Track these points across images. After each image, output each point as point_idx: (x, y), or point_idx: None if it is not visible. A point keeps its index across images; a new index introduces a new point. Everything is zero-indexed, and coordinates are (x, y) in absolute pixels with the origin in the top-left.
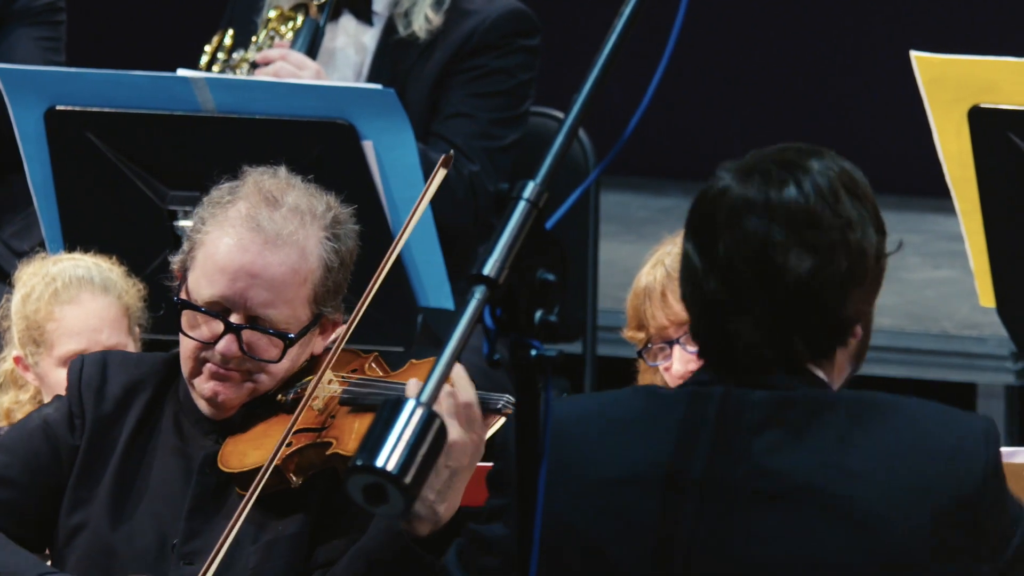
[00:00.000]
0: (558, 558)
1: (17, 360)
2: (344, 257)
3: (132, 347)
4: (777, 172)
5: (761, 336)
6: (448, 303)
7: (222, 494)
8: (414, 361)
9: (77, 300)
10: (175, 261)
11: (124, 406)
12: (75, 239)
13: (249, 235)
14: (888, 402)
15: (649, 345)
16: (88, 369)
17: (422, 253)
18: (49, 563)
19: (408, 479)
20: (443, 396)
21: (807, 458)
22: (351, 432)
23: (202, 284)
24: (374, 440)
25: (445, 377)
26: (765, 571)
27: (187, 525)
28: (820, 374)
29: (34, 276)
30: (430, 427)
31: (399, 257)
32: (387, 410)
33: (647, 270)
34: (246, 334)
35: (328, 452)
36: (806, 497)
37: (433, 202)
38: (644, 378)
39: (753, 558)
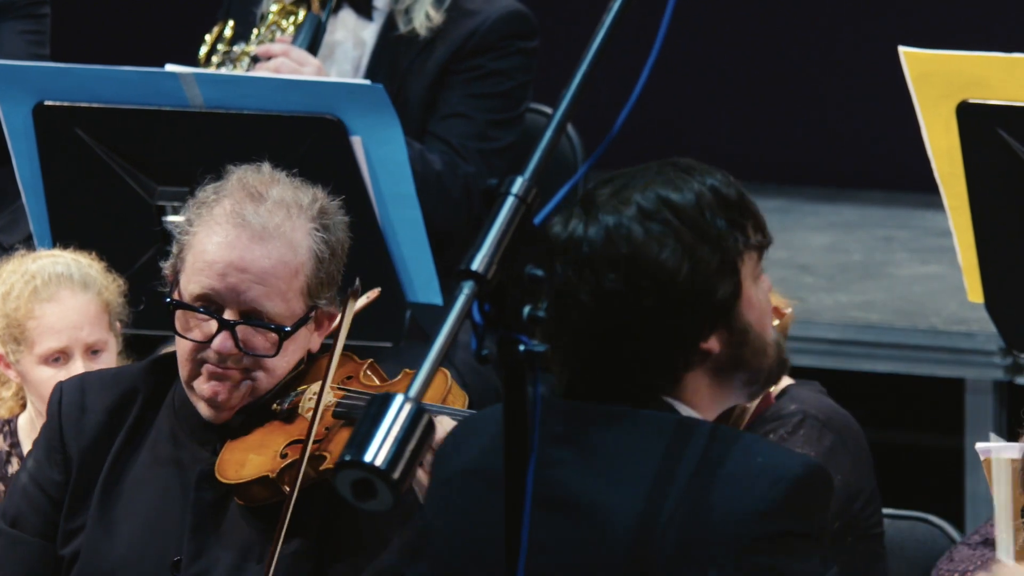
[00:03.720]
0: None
1: None
2: (335, 247)
3: (113, 343)
4: (588, 211)
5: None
6: (436, 299)
7: (221, 507)
8: (407, 371)
9: (57, 297)
10: (166, 265)
11: (109, 430)
12: (64, 235)
13: (235, 231)
14: (713, 430)
15: None
16: (67, 398)
17: (410, 249)
18: None
19: (397, 474)
20: None
21: (579, 469)
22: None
23: (192, 284)
24: (362, 435)
25: (434, 373)
26: None
27: (190, 545)
28: (676, 404)
29: (13, 274)
30: (418, 422)
31: (388, 253)
32: (375, 406)
33: None
34: (241, 330)
35: (321, 467)
36: (573, 509)
37: (428, 204)
38: None
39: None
